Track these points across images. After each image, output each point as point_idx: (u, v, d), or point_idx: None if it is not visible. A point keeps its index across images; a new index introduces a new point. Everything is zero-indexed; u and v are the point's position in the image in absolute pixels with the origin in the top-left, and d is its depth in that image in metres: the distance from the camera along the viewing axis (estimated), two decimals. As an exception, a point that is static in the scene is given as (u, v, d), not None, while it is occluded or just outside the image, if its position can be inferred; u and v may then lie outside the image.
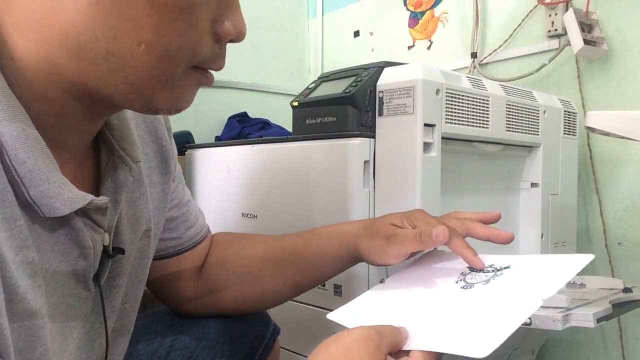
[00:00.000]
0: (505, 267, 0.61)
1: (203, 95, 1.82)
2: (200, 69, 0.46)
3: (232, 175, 1.12)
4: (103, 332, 0.52)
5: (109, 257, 0.51)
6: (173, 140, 0.68)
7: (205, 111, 1.83)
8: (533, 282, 0.56)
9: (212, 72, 0.48)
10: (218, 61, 0.46)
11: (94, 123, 0.49)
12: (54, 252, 0.44)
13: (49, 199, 0.42)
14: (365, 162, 0.89)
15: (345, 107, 0.92)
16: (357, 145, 0.89)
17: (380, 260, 0.65)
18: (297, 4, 2.11)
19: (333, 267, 0.72)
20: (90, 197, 0.45)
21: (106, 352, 0.53)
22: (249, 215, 1.08)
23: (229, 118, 1.84)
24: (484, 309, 0.54)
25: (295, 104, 1.04)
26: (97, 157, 0.52)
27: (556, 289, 0.53)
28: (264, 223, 1.05)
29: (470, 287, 0.59)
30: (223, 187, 1.14)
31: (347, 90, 0.93)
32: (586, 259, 0.57)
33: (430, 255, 0.70)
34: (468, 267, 0.63)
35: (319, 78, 1.09)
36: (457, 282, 0.61)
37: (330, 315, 0.63)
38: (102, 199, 0.47)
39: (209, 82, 0.48)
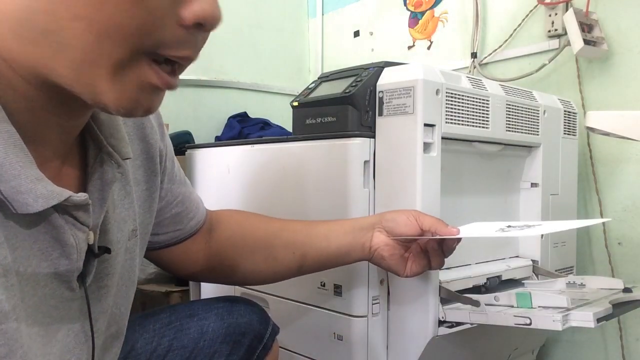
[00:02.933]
0: (538, 225, 0.76)
1: (203, 95, 1.82)
2: (156, 64, 0.41)
3: (232, 175, 1.12)
4: (84, 334, 0.51)
5: (95, 256, 0.49)
6: (167, 137, 0.67)
7: (205, 111, 1.83)
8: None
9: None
10: (184, 49, 0.41)
11: (73, 118, 0.46)
12: (33, 251, 0.43)
13: (20, 195, 0.40)
14: (365, 162, 0.89)
15: (345, 107, 0.92)
16: (357, 145, 0.89)
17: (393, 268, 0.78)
18: (297, 4, 2.11)
19: (340, 243, 0.78)
20: (67, 193, 0.43)
21: (92, 354, 0.51)
22: (249, 215, 1.08)
23: (229, 118, 1.84)
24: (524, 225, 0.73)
25: (295, 104, 1.04)
26: (84, 153, 0.50)
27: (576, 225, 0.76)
28: (264, 223, 1.05)
29: (507, 231, 0.74)
30: (223, 187, 1.14)
31: (347, 90, 0.93)
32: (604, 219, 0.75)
33: (474, 224, 0.83)
34: (506, 225, 0.76)
35: (319, 78, 1.09)
36: (496, 232, 0.74)
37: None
38: (81, 196, 0.44)
39: (163, 84, 0.42)
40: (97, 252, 0.49)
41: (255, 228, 0.79)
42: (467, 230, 0.76)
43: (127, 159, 0.53)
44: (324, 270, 0.83)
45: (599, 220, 0.69)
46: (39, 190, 0.41)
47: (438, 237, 0.75)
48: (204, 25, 0.41)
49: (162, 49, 0.41)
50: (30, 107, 0.42)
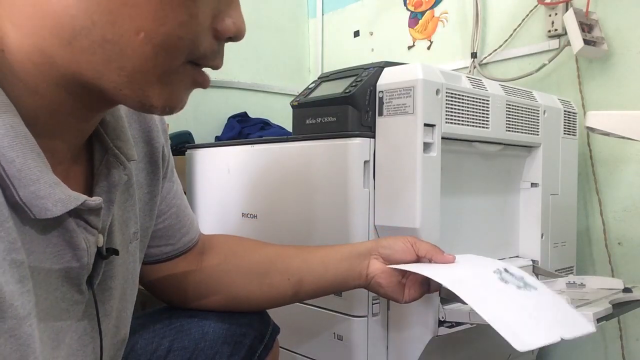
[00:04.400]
0: (534, 288, 0.68)
1: (203, 95, 1.82)
2: (197, 66, 0.44)
3: (232, 175, 1.12)
4: (96, 337, 0.51)
5: (103, 258, 0.49)
6: (169, 144, 0.67)
7: (205, 111, 1.83)
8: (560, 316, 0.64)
9: (211, 72, 0.47)
10: (216, 59, 0.45)
11: (89, 121, 0.47)
12: (46, 255, 0.43)
13: (39, 200, 0.40)
14: (365, 162, 0.89)
15: (345, 107, 0.92)
16: (357, 145, 0.89)
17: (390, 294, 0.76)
18: (297, 4, 2.11)
19: (337, 270, 0.76)
20: (83, 197, 0.44)
21: (101, 356, 0.52)
22: (249, 215, 1.08)
23: (229, 118, 1.84)
24: (522, 307, 0.62)
25: (295, 104, 1.04)
26: (90, 155, 0.50)
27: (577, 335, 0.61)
28: (264, 223, 1.05)
29: (506, 283, 0.67)
30: (223, 187, 1.14)
31: (347, 90, 0.93)
32: (589, 329, 0.64)
33: (467, 256, 0.77)
34: (503, 269, 0.71)
35: (319, 78, 1.09)
36: (494, 273, 0.69)
37: (395, 265, 0.73)
38: (96, 199, 0.45)
39: (204, 83, 0.46)
40: (105, 254, 0.50)
41: (250, 254, 0.77)
42: (463, 261, 0.74)
43: (132, 160, 0.53)
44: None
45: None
46: (57, 194, 0.41)
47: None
48: (233, 38, 0.45)
49: (202, 60, 0.44)
50: (52, 110, 0.42)
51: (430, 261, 0.74)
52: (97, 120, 0.49)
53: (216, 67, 0.46)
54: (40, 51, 0.39)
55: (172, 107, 0.44)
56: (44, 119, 0.42)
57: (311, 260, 0.76)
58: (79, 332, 0.49)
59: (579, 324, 0.62)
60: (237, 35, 0.45)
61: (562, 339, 0.58)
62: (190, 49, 0.42)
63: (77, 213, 0.45)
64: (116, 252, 0.51)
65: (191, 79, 0.45)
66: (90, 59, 0.40)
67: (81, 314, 0.49)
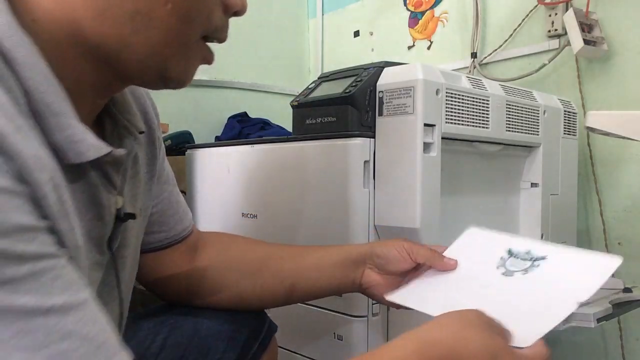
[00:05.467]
0: (542, 258, 0.66)
1: (203, 95, 1.82)
2: (206, 43, 0.48)
3: (232, 175, 1.12)
4: (113, 301, 0.51)
5: (121, 221, 0.50)
6: (161, 130, 0.68)
7: (205, 111, 1.83)
8: (569, 281, 0.61)
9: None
10: (223, 32, 0.49)
11: (104, 97, 0.50)
12: (73, 209, 0.43)
13: (74, 144, 0.41)
14: (365, 162, 0.89)
15: (345, 107, 0.92)
16: (357, 145, 0.89)
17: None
18: (297, 4, 2.11)
19: (331, 277, 0.75)
20: (110, 147, 0.45)
21: (120, 319, 0.52)
22: (249, 215, 1.08)
23: (229, 118, 1.84)
24: (525, 301, 0.61)
25: (295, 104, 1.04)
26: (100, 130, 0.51)
27: (591, 293, 0.57)
28: (264, 223, 1.05)
29: (510, 275, 0.65)
30: (223, 187, 1.14)
31: (347, 90, 0.93)
32: (616, 262, 0.62)
33: (470, 236, 0.75)
34: (507, 251, 0.68)
35: (319, 78, 1.09)
36: (498, 268, 0.67)
37: (390, 297, 0.69)
38: (121, 150, 0.47)
39: (211, 59, 0.51)
40: (123, 216, 0.51)
41: (243, 253, 0.76)
42: (463, 259, 0.71)
43: (141, 133, 0.55)
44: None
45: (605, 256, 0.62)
46: (89, 140, 0.42)
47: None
48: (238, 13, 0.49)
49: (213, 32, 0.48)
50: (76, 80, 0.44)
51: (430, 267, 0.71)
52: (109, 97, 0.51)
53: (222, 39, 0.50)
54: (71, 21, 0.42)
55: (184, 80, 0.48)
56: (68, 89, 0.43)
57: (304, 265, 0.75)
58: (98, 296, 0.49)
59: (593, 279, 0.59)
60: (241, 10, 0.49)
61: (572, 313, 0.56)
62: (205, 22, 0.46)
63: (100, 166, 0.46)
64: (133, 216, 0.53)
65: (202, 54, 0.49)
66: (119, 31, 0.42)
67: (100, 277, 0.49)
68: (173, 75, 0.47)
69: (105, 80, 0.47)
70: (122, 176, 0.51)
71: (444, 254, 0.72)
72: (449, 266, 0.70)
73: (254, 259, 0.76)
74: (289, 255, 0.76)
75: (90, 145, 0.42)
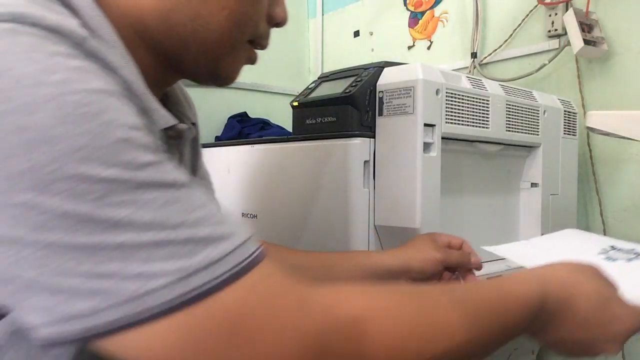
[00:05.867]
0: None
1: (203, 95, 1.82)
2: (252, 45, 0.54)
3: (232, 175, 1.12)
4: None
5: None
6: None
7: (205, 111, 1.83)
8: None
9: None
10: (266, 40, 0.56)
11: (161, 89, 0.54)
12: None
13: (152, 112, 0.45)
14: (365, 162, 0.89)
15: (345, 107, 0.92)
16: (357, 145, 0.89)
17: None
18: (297, 4, 2.11)
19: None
20: (176, 120, 0.50)
21: None
22: (249, 215, 1.08)
23: (229, 118, 1.84)
24: (628, 282, 0.59)
25: (295, 104, 1.04)
26: None
27: None
28: (264, 223, 1.05)
29: (613, 260, 0.64)
30: (223, 187, 1.14)
31: (347, 90, 0.93)
32: None
33: (569, 232, 0.75)
34: (610, 246, 0.68)
35: (319, 78, 1.09)
36: (599, 254, 0.66)
37: (489, 248, 0.71)
38: (183, 125, 0.53)
39: (255, 60, 0.57)
40: None
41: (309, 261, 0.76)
42: (561, 245, 0.69)
43: (193, 124, 0.59)
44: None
45: None
46: (162, 110, 0.48)
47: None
48: (279, 24, 0.56)
49: (258, 39, 0.54)
50: (143, 73, 0.47)
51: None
52: (164, 90, 0.57)
53: (264, 46, 0.56)
54: (139, 19, 0.47)
55: (231, 78, 0.55)
56: None
57: (336, 275, 0.74)
58: None
59: None
60: (283, 21, 0.55)
61: None
62: (254, 28, 0.52)
63: (164, 141, 0.49)
64: None
65: (247, 55, 0.55)
66: (180, 31, 0.48)
67: None
68: (222, 74, 0.53)
69: (163, 73, 0.51)
70: (179, 161, 0.56)
71: (536, 240, 0.77)
72: (476, 264, 0.77)
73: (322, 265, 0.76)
74: (321, 267, 0.76)
75: (163, 115, 0.47)
